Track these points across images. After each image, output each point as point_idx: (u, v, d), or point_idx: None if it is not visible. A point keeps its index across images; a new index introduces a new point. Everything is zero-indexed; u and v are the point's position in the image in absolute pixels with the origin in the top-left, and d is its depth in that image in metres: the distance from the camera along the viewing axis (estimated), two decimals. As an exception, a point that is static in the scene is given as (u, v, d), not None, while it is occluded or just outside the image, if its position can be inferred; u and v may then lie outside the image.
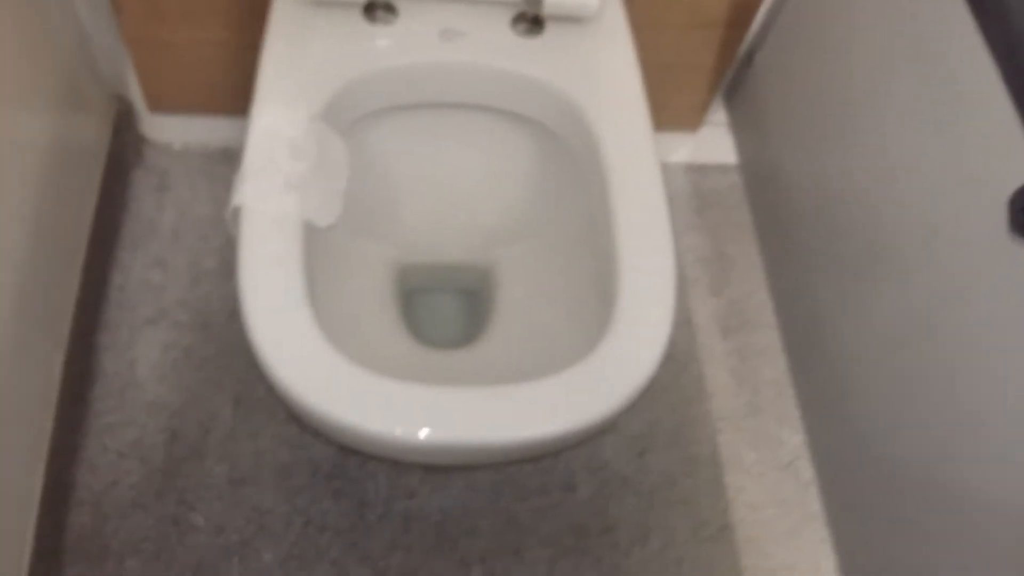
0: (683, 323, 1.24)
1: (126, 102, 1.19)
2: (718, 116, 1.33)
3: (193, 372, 1.10)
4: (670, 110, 1.29)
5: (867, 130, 0.93)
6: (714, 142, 1.36)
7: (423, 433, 0.67)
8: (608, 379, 0.71)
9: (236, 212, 0.77)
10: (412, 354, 0.95)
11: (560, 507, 1.07)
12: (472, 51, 0.91)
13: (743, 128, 1.32)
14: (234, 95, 1.12)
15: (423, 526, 1.04)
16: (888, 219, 0.89)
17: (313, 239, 0.78)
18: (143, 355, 1.10)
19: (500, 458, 0.97)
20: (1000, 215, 0.70)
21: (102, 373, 1.08)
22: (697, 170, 1.41)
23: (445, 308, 1.13)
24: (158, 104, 1.19)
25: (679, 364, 1.21)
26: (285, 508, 1.03)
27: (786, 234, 1.17)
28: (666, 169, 1.38)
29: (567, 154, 0.93)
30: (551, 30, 0.93)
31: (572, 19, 0.93)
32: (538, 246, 1.02)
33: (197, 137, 1.25)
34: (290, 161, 0.79)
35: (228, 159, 1.26)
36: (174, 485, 1.02)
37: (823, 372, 1.09)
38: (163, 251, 1.18)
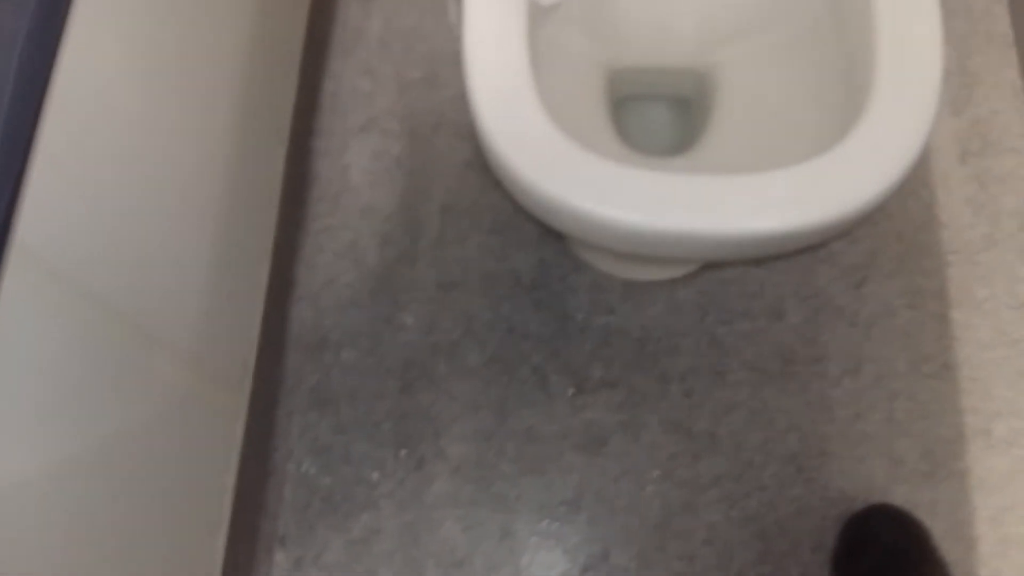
0: (914, 146, 1.13)
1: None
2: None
3: (403, 180, 1.12)
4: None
5: None
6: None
7: (662, 220, 0.64)
8: (867, 164, 0.64)
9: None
10: (626, 157, 0.91)
11: (766, 332, 1.03)
12: None
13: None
14: None
15: (623, 341, 1.03)
16: None
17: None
18: (355, 162, 1.13)
19: (735, 254, 0.92)
20: None
21: (317, 177, 1.11)
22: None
23: (658, 117, 1.07)
24: (364, -94, 1.16)
25: (906, 189, 1.10)
26: (489, 314, 1.05)
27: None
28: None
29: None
30: None
31: None
32: (765, 44, 0.93)
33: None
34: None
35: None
36: (387, 286, 1.06)
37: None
38: (371, 59, 1.18)
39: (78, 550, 0.64)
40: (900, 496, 0.98)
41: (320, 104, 1.15)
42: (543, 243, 1.07)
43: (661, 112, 1.07)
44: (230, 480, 0.90)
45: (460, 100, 1.05)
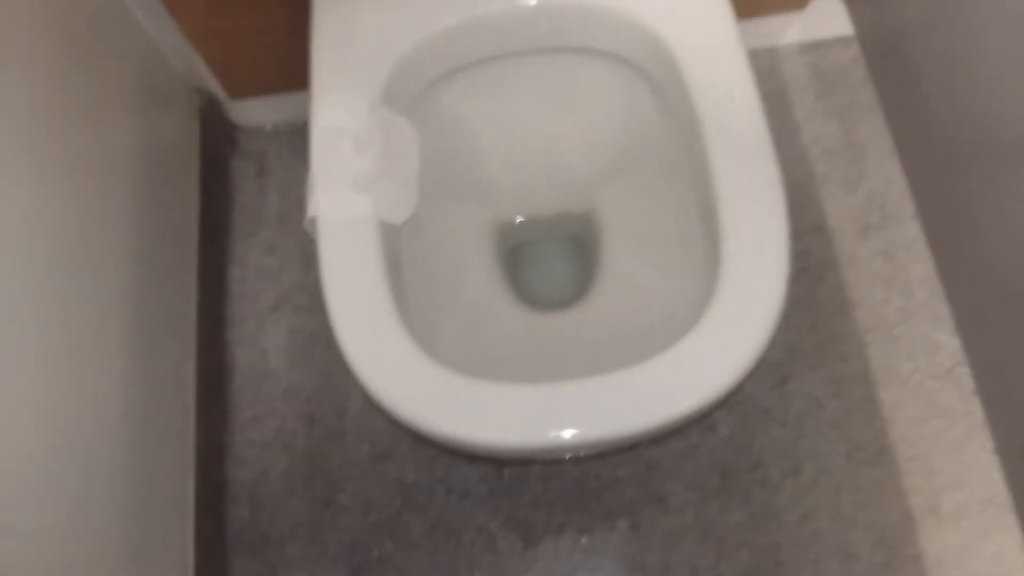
0: (816, 228, 1.14)
1: (207, 93, 1.18)
2: (827, -12, 1.18)
3: (321, 354, 1.12)
4: (771, -10, 1.15)
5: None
6: (827, 16, 1.21)
7: (524, 437, 0.64)
8: (719, 354, 0.65)
9: (313, 221, 0.75)
10: (518, 320, 0.92)
11: (701, 448, 1.03)
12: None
13: (861, -6, 1.16)
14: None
15: (563, 483, 1.03)
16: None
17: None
18: (272, 343, 1.13)
19: (611, 449, 0.94)
20: None
21: (236, 367, 1.12)
22: (812, 48, 1.26)
23: (551, 257, 1.09)
24: (238, 90, 1.18)
25: (815, 275, 1.11)
26: (427, 479, 1.04)
27: (919, 113, 1.03)
28: (777, 53, 1.25)
29: (651, 85, 0.85)
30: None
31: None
32: (636, 184, 0.94)
33: (284, 115, 1.23)
34: (357, 158, 0.76)
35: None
36: (320, 468, 1.06)
37: (974, 269, 0.97)
38: (273, 237, 1.19)
39: None
40: (860, 593, 0.97)
41: (228, 291, 1.16)
42: (468, 396, 1.08)
43: (555, 249, 1.09)
44: None
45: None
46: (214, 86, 1.16)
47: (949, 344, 1.06)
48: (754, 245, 0.69)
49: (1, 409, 0.65)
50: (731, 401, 1.05)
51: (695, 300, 0.75)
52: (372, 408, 1.08)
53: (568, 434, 0.64)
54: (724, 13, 0.79)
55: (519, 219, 1.00)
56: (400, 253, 0.80)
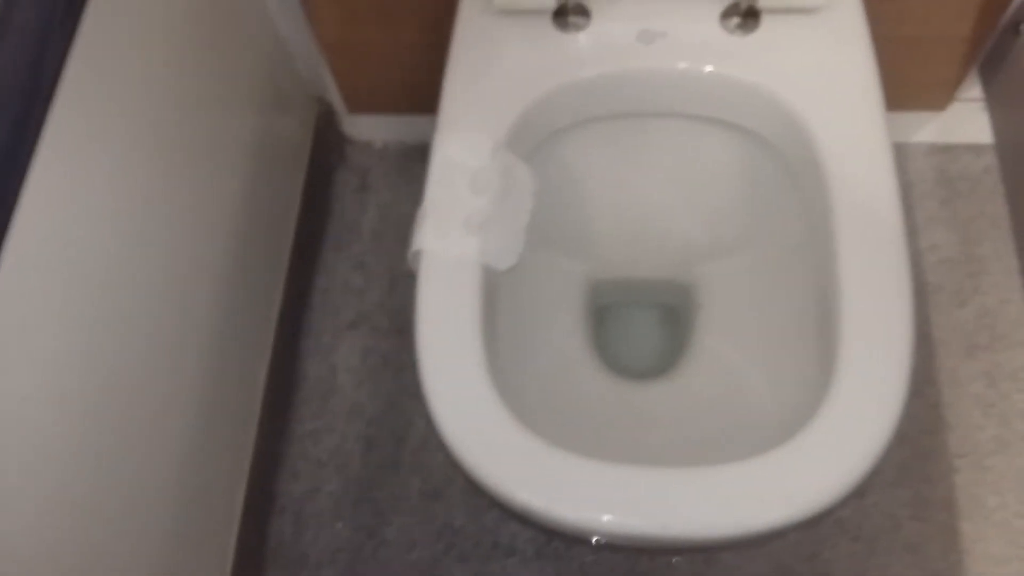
0: (920, 338, 1.09)
1: (326, 103, 1.19)
2: (971, 93, 1.13)
3: (390, 379, 1.11)
4: (913, 87, 1.11)
5: None
6: (965, 120, 1.16)
7: (609, 521, 0.61)
8: (826, 463, 0.61)
9: (417, 255, 0.73)
10: (599, 382, 0.89)
11: (765, 550, 0.98)
12: (675, 54, 0.80)
13: (1004, 104, 1.11)
14: (431, 94, 1.08)
15: (614, 559, 0.99)
16: None
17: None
18: (343, 360, 1.12)
19: (686, 547, 0.89)
20: None
21: (305, 379, 1.11)
22: (944, 151, 1.21)
23: (640, 322, 1.06)
24: (357, 105, 1.18)
25: (912, 388, 1.05)
26: (474, 528, 1.01)
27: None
28: (906, 150, 1.21)
29: (781, 164, 0.82)
30: (768, 23, 0.80)
31: (796, 10, 0.80)
32: (745, 264, 0.91)
33: (396, 135, 1.24)
34: (472, 198, 0.74)
35: (427, 157, 1.24)
36: (370, 495, 1.04)
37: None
38: (364, 253, 1.19)
39: None
40: None
41: (311, 302, 1.15)
42: (531, 448, 1.05)
43: (647, 317, 1.06)
44: None
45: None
46: (335, 96, 1.17)
47: (1046, 485, 1.00)
48: (876, 350, 0.65)
49: (73, 370, 0.65)
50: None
51: (793, 398, 0.72)
52: (430, 442, 1.06)
53: (640, 526, 0.61)
54: (873, 102, 0.76)
55: (616, 279, 0.97)
56: (496, 297, 0.78)
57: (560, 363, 0.90)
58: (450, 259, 0.72)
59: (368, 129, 1.23)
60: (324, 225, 1.20)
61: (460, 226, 0.73)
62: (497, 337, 0.77)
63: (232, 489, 0.96)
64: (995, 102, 1.13)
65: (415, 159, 1.24)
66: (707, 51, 0.80)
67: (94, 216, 0.67)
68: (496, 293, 0.78)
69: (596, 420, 0.85)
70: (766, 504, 0.60)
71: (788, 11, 0.80)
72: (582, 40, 0.81)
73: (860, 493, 1.00)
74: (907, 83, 1.09)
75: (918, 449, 1.03)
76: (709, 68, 0.79)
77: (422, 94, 1.14)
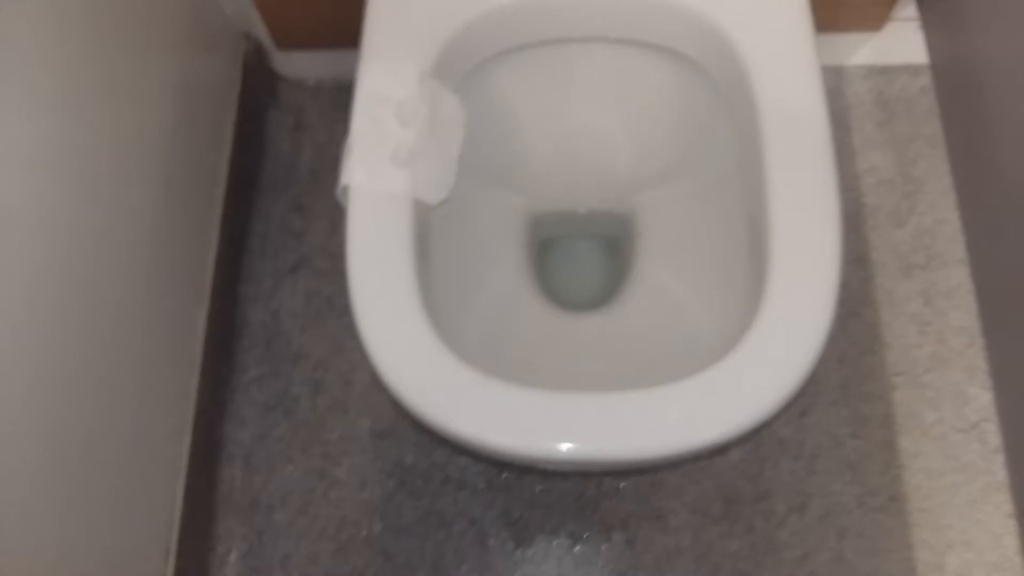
0: (857, 260, 1.10)
1: (254, 40, 1.15)
2: (906, 11, 1.13)
3: (335, 321, 1.09)
4: (849, 7, 1.10)
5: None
6: (901, 40, 1.16)
7: (544, 447, 0.61)
8: (753, 384, 0.62)
9: (345, 191, 0.72)
10: (542, 316, 0.89)
11: (708, 470, 1.00)
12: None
13: (938, 23, 1.11)
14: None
15: (563, 487, 1.00)
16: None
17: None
18: (286, 305, 1.11)
19: (629, 468, 0.91)
20: None
21: (247, 325, 1.09)
22: (880, 73, 1.21)
23: (581, 254, 1.05)
24: (286, 41, 1.14)
25: (850, 308, 1.08)
26: (425, 464, 1.02)
27: (986, 155, 0.99)
28: (844, 73, 1.20)
29: (712, 88, 0.81)
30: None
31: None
32: (682, 191, 0.91)
33: (331, 71, 1.20)
34: (399, 130, 0.72)
35: (361, 92, 1.21)
36: (319, 438, 1.04)
37: (1021, 326, 0.93)
38: (302, 195, 1.16)
39: None
40: (852, 641, 0.94)
41: (249, 247, 1.13)
42: (478, 384, 1.05)
43: (587, 248, 1.05)
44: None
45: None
46: (262, 33, 1.13)
47: (979, 398, 1.02)
48: (804, 269, 0.65)
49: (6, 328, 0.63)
50: (747, 427, 1.02)
51: (730, 323, 0.72)
52: (378, 383, 1.06)
53: (580, 450, 0.61)
54: (803, 23, 0.75)
55: (554, 211, 0.97)
56: (430, 232, 0.77)
57: (502, 297, 0.90)
58: (379, 193, 0.70)
59: (300, 66, 1.20)
60: (259, 167, 1.17)
61: (388, 159, 0.71)
62: (434, 272, 0.77)
63: (177, 439, 0.95)
64: (929, 21, 1.13)
65: (352, 95, 1.21)
66: (635, -27, 0.78)
67: (2, 168, 0.64)
68: (431, 228, 0.77)
69: (537, 352, 0.85)
70: (699, 422, 0.61)
71: (718, -71, 0.78)
72: (507, -35, 0.79)
73: (801, 412, 1.03)
74: (842, 2, 1.08)
75: (857, 368, 1.05)
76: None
77: (354, 28, 1.11)
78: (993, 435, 1.01)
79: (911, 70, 1.19)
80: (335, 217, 1.15)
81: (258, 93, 1.18)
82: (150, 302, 0.88)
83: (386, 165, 0.71)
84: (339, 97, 1.21)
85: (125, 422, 0.82)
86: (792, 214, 0.67)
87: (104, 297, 0.78)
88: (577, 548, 0.98)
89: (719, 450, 0.91)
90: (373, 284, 0.67)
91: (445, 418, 0.62)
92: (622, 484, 1.00)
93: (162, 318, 0.91)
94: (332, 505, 1.01)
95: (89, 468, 0.76)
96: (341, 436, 1.04)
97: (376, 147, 0.72)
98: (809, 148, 0.69)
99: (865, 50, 1.18)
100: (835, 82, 1.19)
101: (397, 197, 0.70)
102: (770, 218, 0.67)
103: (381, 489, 1.01)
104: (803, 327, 0.63)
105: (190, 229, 1.00)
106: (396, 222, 0.69)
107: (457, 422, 0.62)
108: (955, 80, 1.08)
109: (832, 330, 0.63)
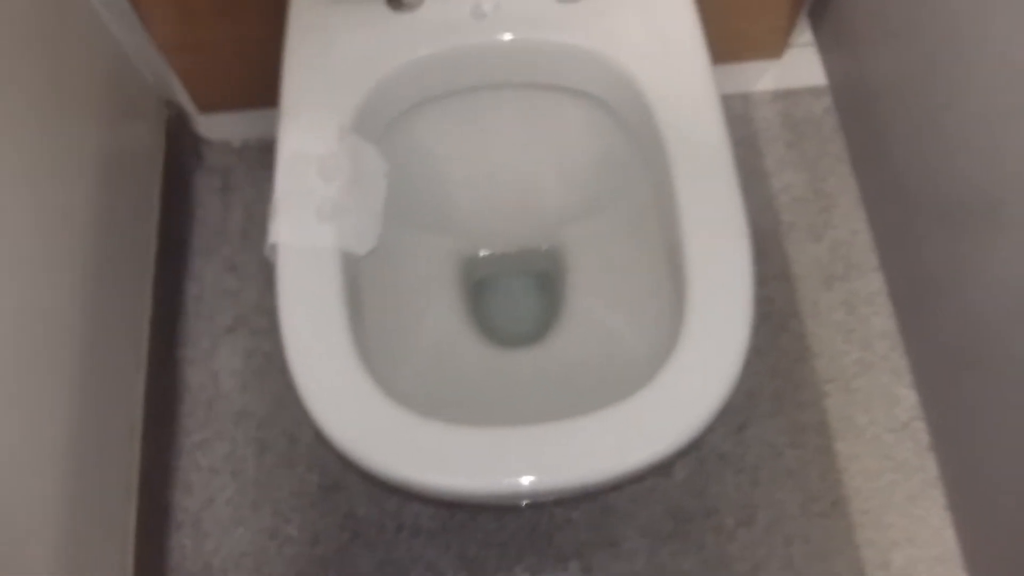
0: (781, 275, 1.14)
1: (176, 106, 1.16)
2: (803, 38, 1.19)
3: (276, 379, 1.10)
4: (748, 38, 1.16)
5: (976, 42, 0.80)
6: (801, 65, 1.22)
7: (485, 483, 0.63)
8: (682, 401, 0.64)
9: (273, 248, 0.73)
10: (479, 355, 0.90)
11: (656, 492, 1.02)
12: (508, 25, 0.82)
13: (832, 47, 1.17)
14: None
15: (516, 523, 1.01)
16: (1013, 156, 0.77)
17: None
18: (225, 365, 1.10)
19: (573, 496, 0.92)
20: None
21: (188, 388, 1.09)
22: (785, 96, 1.27)
23: (515, 292, 1.08)
24: (207, 104, 1.16)
25: (777, 323, 1.12)
26: (377, 514, 1.02)
27: (886, 168, 1.05)
28: (751, 99, 1.26)
29: (623, 125, 0.84)
30: (595, -12, 0.83)
31: (619, -28, 0.82)
32: (606, 223, 0.94)
33: (255, 131, 1.21)
34: (322, 185, 0.74)
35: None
36: (268, 497, 1.03)
37: (933, 326, 0.98)
38: (235, 255, 1.17)
39: None
40: (809, 647, 0.97)
41: (184, 310, 1.13)
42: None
43: (521, 285, 1.08)
44: None
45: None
46: (184, 98, 1.14)
47: (907, 398, 1.07)
48: (718, 294, 0.68)
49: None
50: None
51: (659, 346, 0.74)
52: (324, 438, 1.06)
53: (520, 482, 0.63)
54: (700, 58, 0.79)
55: (485, 252, 0.99)
56: (361, 282, 0.78)
57: (439, 340, 0.91)
58: (306, 249, 0.72)
59: (224, 128, 1.21)
60: (189, 230, 1.18)
61: (313, 215, 0.73)
62: (369, 319, 0.78)
63: (123, 508, 0.93)
64: (825, 45, 1.19)
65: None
66: (539, 21, 0.82)
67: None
68: (364, 276, 0.79)
69: (476, 390, 0.86)
70: (633, 444, 0.63)
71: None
72: (417, 19, 0.82)
73: (739, 426, 1.06)
74: (742, 35, 1.14)
75: (789, 379, 1.09)
76: (541, 37, 0.82)
77: (273, 87, 1.12)
78: (923, 432, 1.05)
79: (814, 92, 1.25)
80: (269, 275, 1.15)
81: (184, 157, 1.19)
82: (88, 370, 0.87)
83: (311, 220, 0.72)
84: (265, 156, 1.21)
85: (68, 496, 0.81)
86: (703, 238, 0.70)
87: (38, 367, 0.78)
88: (534, 582, 0.99)
89: (661, 468, 0.92)
90: (306, 337, 0.68)
91: (384, 462, 0.63)
92: (574, 514, 1.01)
93: (101, 386, 0.90)
94: (287, 563, 1.00)
95: (36, 541, 0.75)
96: (290, 493, 1.03)
97: (301, 204, 0.73)
98: (714, 175, 0.72)
99: (769, 76, 1.24)
100: (743, 109, 1.24)
101: (324, 251, 0.72)
102: (684, 244, 0.70)
103: (335, 543, 1.01)
104: (724, 340, 0.65)
105: (123, 296, 1.00)
106: (324, 275, 0.71)
107: (398, 465, 0.63)
108: (852, 99, 1.14)
109: (751, 341, 0.66)
